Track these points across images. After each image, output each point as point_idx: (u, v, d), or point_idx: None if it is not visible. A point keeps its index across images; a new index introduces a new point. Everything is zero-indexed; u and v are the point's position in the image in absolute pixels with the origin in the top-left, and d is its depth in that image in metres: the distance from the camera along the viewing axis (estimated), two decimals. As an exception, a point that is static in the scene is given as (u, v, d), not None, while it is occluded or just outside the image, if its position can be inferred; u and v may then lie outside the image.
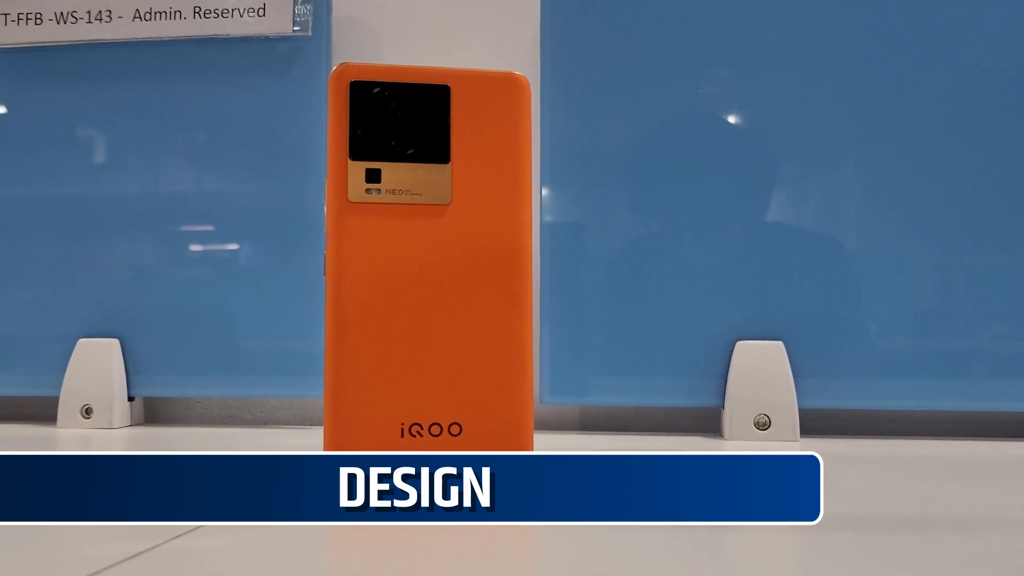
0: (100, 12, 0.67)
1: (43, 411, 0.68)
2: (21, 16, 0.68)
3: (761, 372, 0.58)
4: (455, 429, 0.33)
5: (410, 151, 0.34)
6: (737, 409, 0.58)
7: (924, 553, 0.27)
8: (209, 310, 0.67)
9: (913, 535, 0.30)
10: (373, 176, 0.34)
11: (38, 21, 0.68)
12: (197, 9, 0.66)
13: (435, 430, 0.33)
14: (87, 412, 0.64)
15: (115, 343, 0.66)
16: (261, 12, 0.65)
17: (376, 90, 0.34)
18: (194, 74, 0.67)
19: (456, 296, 0.34)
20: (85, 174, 0.69)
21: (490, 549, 0.28)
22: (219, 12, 0.66)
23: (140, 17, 0.67)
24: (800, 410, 0.60)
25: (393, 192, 0.34)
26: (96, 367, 0.65)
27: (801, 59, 0.61)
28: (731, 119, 0.62)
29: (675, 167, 0.62)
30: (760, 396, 0.58)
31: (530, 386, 0.34)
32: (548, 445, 0.55)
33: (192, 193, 0.68)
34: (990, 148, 0.59)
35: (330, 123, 0.34)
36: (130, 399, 0.66)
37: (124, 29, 0.67)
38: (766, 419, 0.58)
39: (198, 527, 0.30)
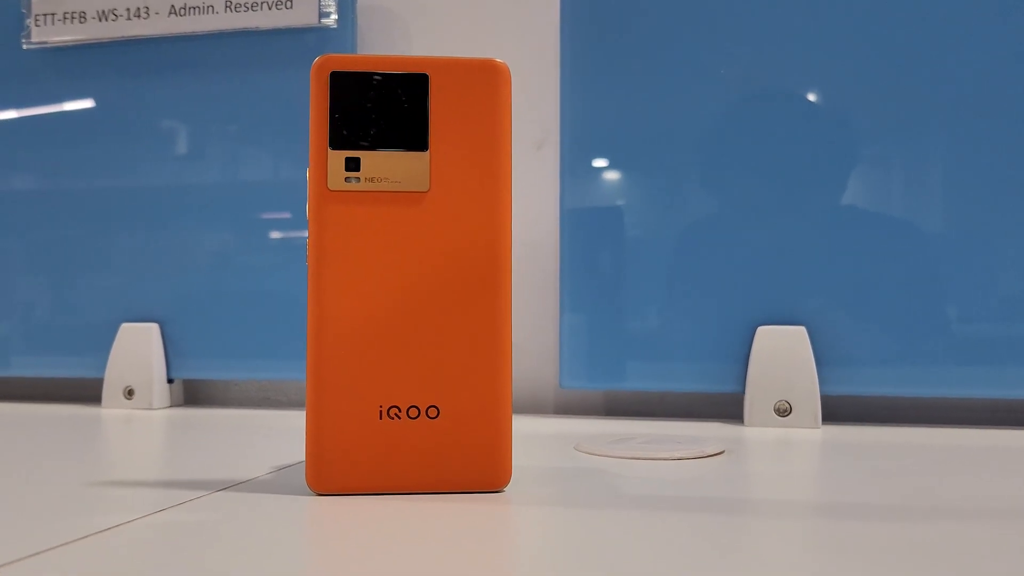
0: (138, 9, 0.70)
1: (91, 392, 0.71)
2: (66, 15, 0.71)
3: (782, 358, 0.57)
4: (432, 412, 0.34)
5: (388, 139, 0.35)
6: (757, 395, 0.57)
7: (932, 545, 0.27)
8: (248, 295, 0.69)
9: (924, 524, 0.29)
10: (352, 165, 0.34)
11: (82, 19, 0.71)
12: (228, 3, 0.68)
13: (413, 412, 0.34)
14: (129, 393, 0.67)
15: (155, 327, 0.69)
16: (288, 5, 0.67)
17: (355, 80, 0.35)
18: (232, 67, 0.69)
19: (435, 282, 0.34)
20: (120, 165, 0.72)
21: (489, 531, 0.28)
22: (249, 5, 0.68)
23: (175, 12, 0.69)
24: (824, 397, 0.59)
25: (372, 180, 0.34)
26: (137, 351, 0.68)
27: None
28: (753, 102, 0.61)
29: (694, 153, 0.61)
30: (781, 382, 0.57)
31: (507, 370, 0.35)
32: (563, 430, 0.55)
33: (228, 183, 0.70)
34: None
35: (312, 113, 0.35)
36: (169, 381, 0.69)
37: (160, 24, 0.69)
38: (787, 405, 0.57)
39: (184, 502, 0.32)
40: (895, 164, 0.60)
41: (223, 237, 0.69)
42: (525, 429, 0.55)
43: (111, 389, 0.68)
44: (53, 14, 0.71)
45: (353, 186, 0.34)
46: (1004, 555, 0.26)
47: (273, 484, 0.36)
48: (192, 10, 0.69)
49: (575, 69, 0.63)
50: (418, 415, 0.34)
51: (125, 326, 0.69)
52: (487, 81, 0.35)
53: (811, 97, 0.60)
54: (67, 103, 0.73)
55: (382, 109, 0.35)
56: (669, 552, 0.26)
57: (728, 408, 0.62)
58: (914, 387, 0.58)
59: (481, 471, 0.34)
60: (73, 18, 0.71)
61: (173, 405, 0.69)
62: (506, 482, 0.34)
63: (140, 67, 0.71)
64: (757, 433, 0.54)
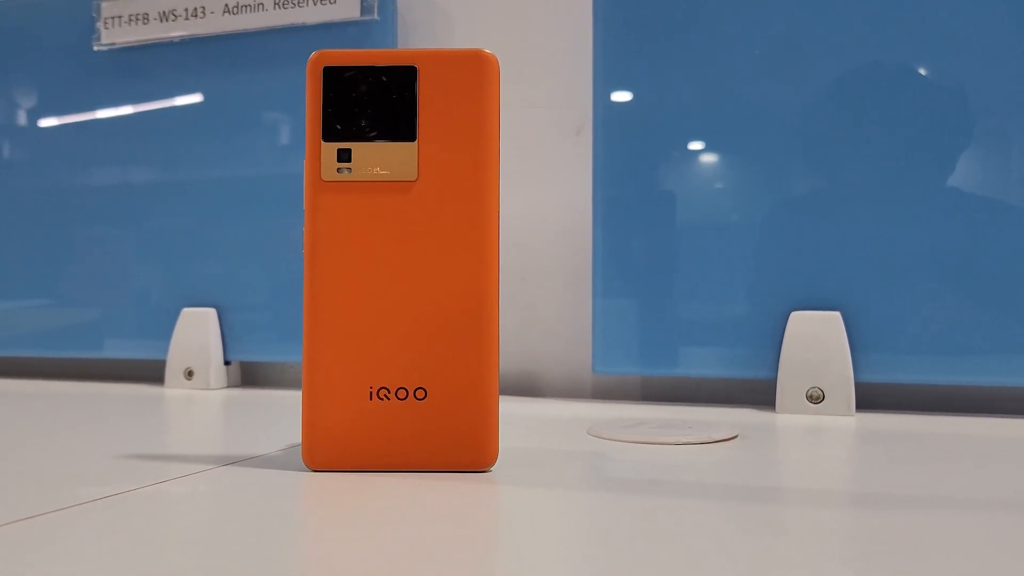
0: (196, 9, 0.73)
1: (155, 372, 0.76)
2: (131, 17, 0.75)
3: (815, 343, 0.56)
4: (420, 394, 0.35)
5: (378, 131, 0.36)
6: (789, 381, 0.56)
7: (960, 536, 0.27)
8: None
9: (949, 516, 0.29)
10: (344, 156, 0.36)
11: (144, 21, 0.75)
12: (277, 0, 0.71)
13: (401, 394, 0.35)
14: (189, 374, 0.71)
15: (212, 312, 0.72)
16: (332, 0, 0.69)
17: (347, 74, 0.36)
18: (282, 62, 0.72)
19: (423, 268, 0.35)
20: (184, 158, 0.76)
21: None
22: (296, 2, 0.70)
23: (229, 11, 0.72)
24: (863, 384, 0.58)
25: (362, 170, 0.36)
26: (196, 334, 0.72)
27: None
28: (787, 82, 0.59)
29: (729, 137, 0.60)
30: (813, 368, 0.56)
31: (494, 354, 0.36)
32: (587, 414, 0.56)
33: (280, 174, 0.73)
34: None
35: (307, 108, 0.36)
36: (227, 363, 0.73)
37: (215, 23, 0.73)
38: (819, 392, 0.56)
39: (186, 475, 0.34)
40: (933, 144, 0.57)
41: (277, 224, 0.72)
42: (550, 413, 0.56)
43: (173, 370, 0.72)
44: (120, 16, 0.76)
45: (345, 176, 0.36)
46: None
47: (278, 460, 0.38)
48: (244, 8, 0.72)
49: (608, 52, 0.62)
50: (406, 396, 0.35)
51: (185, 311, 0.73)
52: (475, 72, 0.36)
53: (844, 77, 0.58)
54: (139, 102, 0.77)
55: (372, 102, 0.36)
56: (629, 534, 0.26)
57: (767, 395, 0.61)
58: (955, 375, 0.56)
59: (467, 451, 0.35)
60: (137, 20, 0.75)
61: (230, 386, 0.73)
62: (492, 463, 0.35)
63: (199, 63, 0.74)
64: (787, 420, 0.54)
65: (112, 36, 0.76)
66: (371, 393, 0.35)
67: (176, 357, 0.72)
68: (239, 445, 0.42)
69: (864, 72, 0.58)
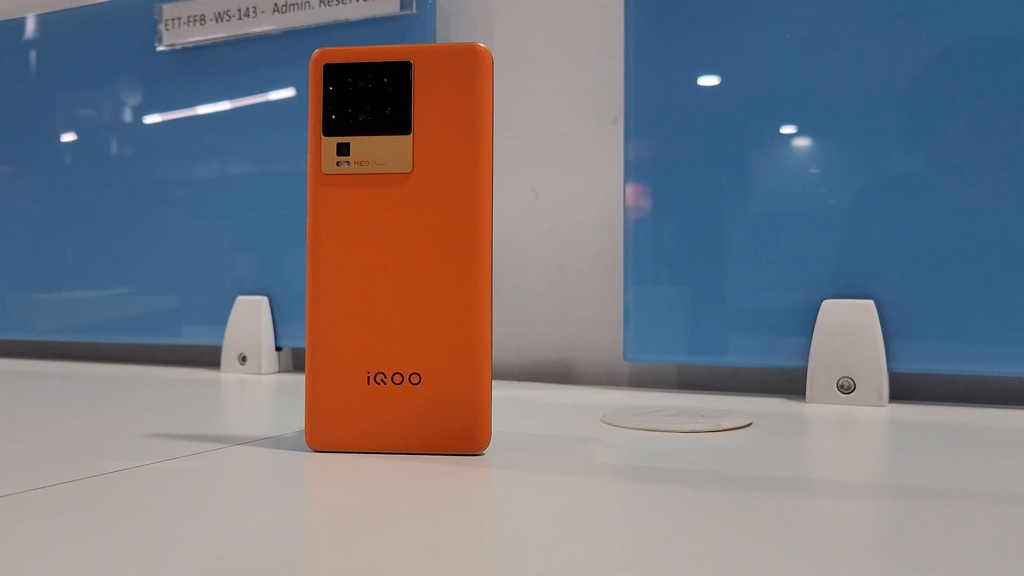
0: (248, 9, 0.76)
1: (213, 358, 0.80)
2: (190, 18, 0.79)
3: (847, 332, 0.55)
4: (415, 379, 0.37)
5: (375, 125, 0.37)
6: (819, 371, 0.55)
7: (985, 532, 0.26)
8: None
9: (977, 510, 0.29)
10: (343, 150, 0.37)
11: (202, 22, 0.78)
12: (322, -2, 0.73)
13: (397, 379, 0.37)
14: (243, 360, 0.75)
15: (264, 300, 0.75)
16: (373, -5, 0.71)
17: (345, 71, 0.37)
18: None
19: (418, 257, 0.37)
20: (242, 152, 0.79)
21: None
22: (339, -1, 0.72)
23: (279, 9, 0.75)
24: (899, 374, 0.56)
25: (360, 163, 0.37)
26: (249, 321, 0.75)
27: None
28: (818, 75, 0.58)
29: (760, 123, 0.59)
30: (844, 358, 0.55)
31: (487, 341, 0.36)
32: (611, 401, 0.56)
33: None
34: None
35: (310, 104, 0.38)
36: (278, 349, 0.76)
37: (266, 21, 0.76)
38: (850, 382, 0.55)
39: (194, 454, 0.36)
40: (947, 137, 0.55)
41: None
42: (575, 399, 0.57)
43: (228, 356, 0.75)
44: (179, 18, 0.79)
45: (344, 169, 0.37)
46: None
47: (286, 441, 0.40)
48: (292, 7, 0.74)
49: (639, 40, 0.62)
50: (402, 381, 0.37)
51: (240, 299, 0.76)
52: (468, 65, 0.37)
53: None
54: (200, 99, 0.81)
55: (369, 97, 0.37)
56: (598, 518, 0.27)
57: (802, 384, 0.60)
58: (994, 365, 0.54)
59: (460, 435, 0.36)
60: (195, 21, 0.78)
61: (282, 371, 0.76)
62: (484, 446, 0.36)
63: (253, 61, 0.78)
64: (816, 410, 0.53)
65: (173, 37, 0.80)
66: (368, 377, 0.37)
67: (231, 343, 0.75)
68: (262, 427, 0.45)
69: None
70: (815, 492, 0.30)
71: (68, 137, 0.88)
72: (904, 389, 0.59)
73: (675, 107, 0.61)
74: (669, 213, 0.62)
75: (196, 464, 0.35)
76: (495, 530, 0.26)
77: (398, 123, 0.37)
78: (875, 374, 0.54)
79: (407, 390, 0.37)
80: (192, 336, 0.81)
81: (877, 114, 0.57)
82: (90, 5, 0.86)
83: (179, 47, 0.80)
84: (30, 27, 0.89)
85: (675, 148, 0.62)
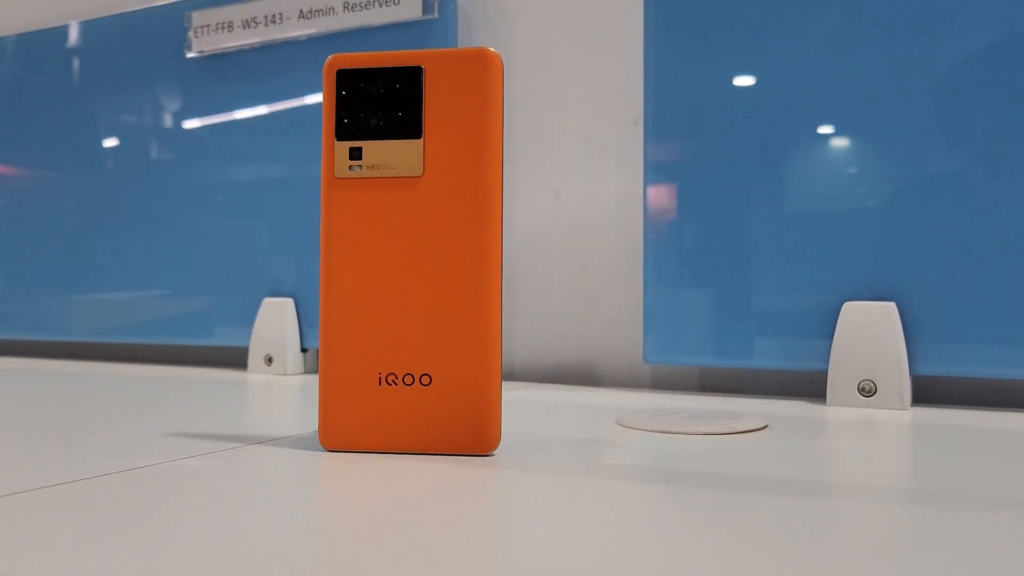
0: (275, 15, 0.77)
1: (243, 359, 0.81)
2: (219, 26, 0.80)
3: (867, 335, 0.55)
4: (426, 380, 0.37)
5: (386, 129, 0.38)
6: (840, 373, 0.55)
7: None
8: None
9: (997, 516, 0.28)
10: (355, 154, 0.38)
11: (230, 29, 0.80)
12: (346, 4, 0.74)
13: (408, 380, 0.37)
14: (269, 360, 0.76)
15: (289, 302, 0.77)
16: (396, 1, 0.71)
17: (358, 76, 0.38)
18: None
19: (429, 259, 0.37)
20: (266, 156, 0.80)
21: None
22: (363, 5, 0.73)
23: (304, 16, 0.76)
24: (923, 378, 0.55)
25: (372, 167, 0.38)
26: (275, 322, 0.76)
27: None
28: (838, 77, 0.57)
29: (785, 124, 0.59)
30: (865, 360, 0.54)
31: (497, 342, 0.37)
32: (629, 403, 0.56)
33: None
34: None
35: (323, 109, 0.38)
36: (303, 350, 0.77)
37: (292, 28, 0.77)
38: (871, 385, 0.54)
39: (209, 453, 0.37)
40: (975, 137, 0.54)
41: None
42: (594, 401, 0.57)
43: (255, 356, 0.76)
44: (208, 26, 0.81)
45: (356, 173, 0.38)
46: None
47: (302, 441, 0.41)
48: (316, 13, 0.75)
49: (659, 43, 0.62)
50: (412, 382, 0.37)
51: (266, 300, 0.77)
52: (478, 70, 0.37)
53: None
54: (228, 104, 0.82)
55: (380, 102, 0.38)
56: (609, 519, 0.27)
57: (825, 387, 0.60)
58: (1019, 368, 0.53)
59: (470, 436, 0.37)
60: (223, 28, 0.80)
61: (307, 372, 0.77)
62: (493, 447, 0.37)
63: (278, 67, 0.79)
64: (835, 413, 0.52)
65: (202, 44, 0.81)
66: (380, 378, 0.37)
67: (257, 344, 0.76)
68: (281, 427, 0.45)
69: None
70: (822, 495, 0.30)
71: (107, 141, 0.90)
72: (928, 392, 0.58)
73: (695, 108, 0.61)
74: (689, 215, 0.61)
75: (210, 463, 0.35)
76: (498, 529, 0.26)
77: (409, 127, 0.37)
78: (896, 377, 0.53)
79: (418, 391, 0.37)
80: (224, 337, 0.82)
81: (902, 114, 0.56)
82: (127, 12, 0.88)
83: (208, 54, 0.81)
84: (72, 34, 0.92)
85: (695, 150, 0.61)
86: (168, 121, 0.86)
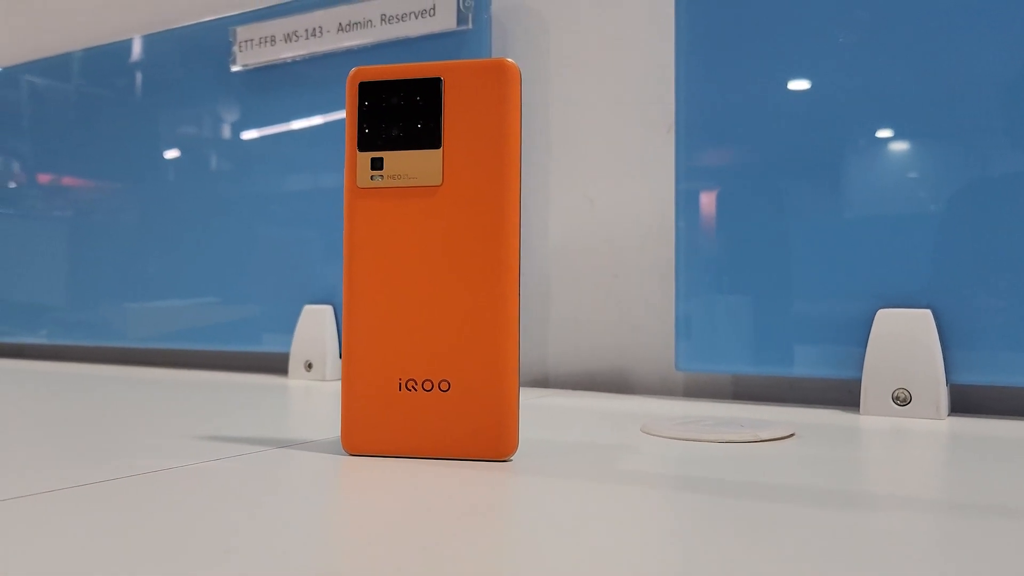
0: (314, 29, 0.79)
1: (284, 365, 0.83)
2: (262, 40, 0.83)
3: (902, 343, 0.54)
4: (444, 385, 0.38)
5: (406, 140, 0.38)
6: (873, 382, 0.54)
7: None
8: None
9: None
10: (377, 164, 0.39)
11: (272, 43, 0.82)
12: (383, 17, 0.75)
13: (427, 385, 0.38)
14: (308, 367, 0.77)
15: (328, 309, 0.78)
16: (431, 13, 0.73)
17: (379, 88, 0.39)
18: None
19: (448, 267, 0.38)
20: (311, 166, 0.82)
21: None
22: (400, 17, 0.74)
23: (343, 29, 0.78)
24: (961, 387, 0.54)
25: (393, 177, 0.38)
26: (314, 329, 0.78)
27: None
28: (867, 88, 0.57)
29: (805, 131, 0.58)
30: (900, 369, 0.53)
31: (514, 349, 0.37)
32: (657, 410, 0.56)
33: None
34: None
35: (346, 120, 0.39)
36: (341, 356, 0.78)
37: (331, 40, 0.78)
38: (906, 394, 0.53)
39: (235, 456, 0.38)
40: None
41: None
42: (622, 408, 0.57)
43: (295, 362, 0.78)
44: (252, 40, 0.83)
45: (377, 183, 0.39)
46: None
47: (326, 444, 0.41)
48: (355, 25, 0.77)
49: (690, 49, 0.62)
50: (432, 388, 0.38)
51: (307, 308, 0.79)
52: (496, 80, 0.38)
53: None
54: (272, 117, 0.84)
55: (401, 113, 0.38)
56: (623, 525, 0.27)
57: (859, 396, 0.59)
58: (1060, 378, 0.51)
59: (488, 441, 0.37)
60: (265, 42, 0.82)
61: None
62: (511, 452, 0.37)
63: (318, 79, 0.81)
64: (869, 422, 0.51)
65: (246, 58, 0.84)
66: (400, 384, 0.38)
67: (298, 350, 0.78)
68: (312, 431, 0.46)
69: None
70: (837, 505, 0.30)
71: (169, 153, 0.92)
72: (968, 402, 0.57)
73: (726, 114, 0.61)
74: (720, 221, 0.61)
75: (234, 465, 0.36)
76: (508, 533, 0.27)
77: (428, 138, 0.38)
78: (932, 386, 0.52)
79: (437, 397, 0.38)
80: (272, 344, 0.84)
81: (942, 117, 0.55)
82: (182, 27, 0.91)
83: (251, 67, 0.84)
84: (136, 48, 0.95)
85: (726, 156, 0.61)
86: (224, 132, 0.88)
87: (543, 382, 0.74)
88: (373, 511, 0.29)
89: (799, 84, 0.59)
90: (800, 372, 0.59)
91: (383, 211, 0.38)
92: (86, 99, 0.99)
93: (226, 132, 0.88)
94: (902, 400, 0.53)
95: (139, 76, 0.94)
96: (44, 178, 1.04)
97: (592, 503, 0.30)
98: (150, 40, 0.93)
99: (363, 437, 0.38)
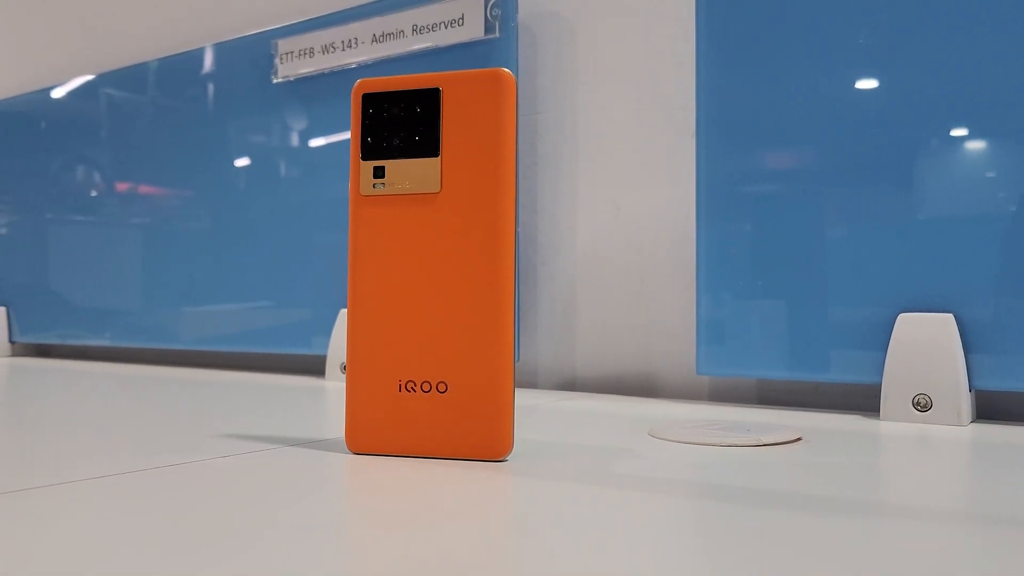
0: (351, 40, 0.81)
1: (317, 366, 0.85)
2: (302, 52, 0.85)
3: (923, 348, 0.53)
4: (442, 387, 0.39)
5: (406, 149, 0.40)
6: (893, 387, 0.53)
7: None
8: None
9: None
10: (379, 172, 0.40)
11: (311, 55, 0.84)
12: (415, 27, 0.77)
13: (426, 387, 0.39)
14: (344, 369, 0.79)
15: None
16: (460, 22, 0.74)
17: (381, 99, 0.40)
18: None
19: (446, 272, 0.39)
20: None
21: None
22: (430, 27, 0.76)
23: (377, 40, 0.80)
24: (986, 392, 0.53)
25: (394, 185, 0.40)
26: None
27: None
28: (894, 92, 0.56)
29: (829, 134, 0.58)
30: (921, 374, 0.52)
31: (510, 352, 0.38)
32: (671, 413, 0.56)
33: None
34: None
35: (351, 130, 0.41)
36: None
37: (366, 51, 0.80)
38: (927, 399, 0.52)
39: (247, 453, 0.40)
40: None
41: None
42: (639, 412, 0.57)
43: (332, 365, 0.80)
44: (292, 52, 0.86)
45: (379, 191, 0.40)
46: None
47: (333, 444, 0.43)
48: (388, 36, 0.79)
49: (711, 54, 0.62)
50: (430, 389, 0.39)
51: (343, 311, 0.81)
52: (493, 90, 0.39)
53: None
54: (316, 127, 0.87)
55: (401, 122, 0.40)
56: (600, 526, 0.28)
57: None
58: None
59: (484, 441, 0.38)
60: (304, 54, 0.85)
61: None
62: (506, 453, 0.38)
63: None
64: (888, 428, 0.51)
65: (287, 70, 0.86)
66: (400, 385, 0.39)
67: (334, 353, 0.80)
68: (323, 430, 0.48)
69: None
70: (825, 511, 0.30)
71: (238, 161, 0.96)
72: (995, 408, 0.56)
73: (747, 119, 0.61)
74: (741, 226, 0.61)
75: (243, 461, 0.38)
76: (498, 532, 0.27)
77: (427, 146, 0.39)
78: (953, 392, 0.51)
79: (435, 398, 0.39)
80: (320, 347, 0.86)
81: (959, 121, 0.54)
82: (243, 37, 0.94)
83: (292, 78, 0.86)
84: (207, 59, 0.99)
85: (747, 161, 0.61)
86: (291, 140, 0.90)
87: (570, 385, 0.75)
88: (368, 508, 0.30)
89: (823, 87, 0.58)
90: (820, 377, 0.58)
91: (384, 218, 0.40)
92: (160, 111, 1.03)
93: (292, 140, 0.90)
94: (923, 406, 0.52)
95: (210, 87, 0.97)
96: (122, 186, 1.08)
97: (575, 504, 0.31)
98: (220, 49, 0.96)
99: (365, 437, 0.40)
